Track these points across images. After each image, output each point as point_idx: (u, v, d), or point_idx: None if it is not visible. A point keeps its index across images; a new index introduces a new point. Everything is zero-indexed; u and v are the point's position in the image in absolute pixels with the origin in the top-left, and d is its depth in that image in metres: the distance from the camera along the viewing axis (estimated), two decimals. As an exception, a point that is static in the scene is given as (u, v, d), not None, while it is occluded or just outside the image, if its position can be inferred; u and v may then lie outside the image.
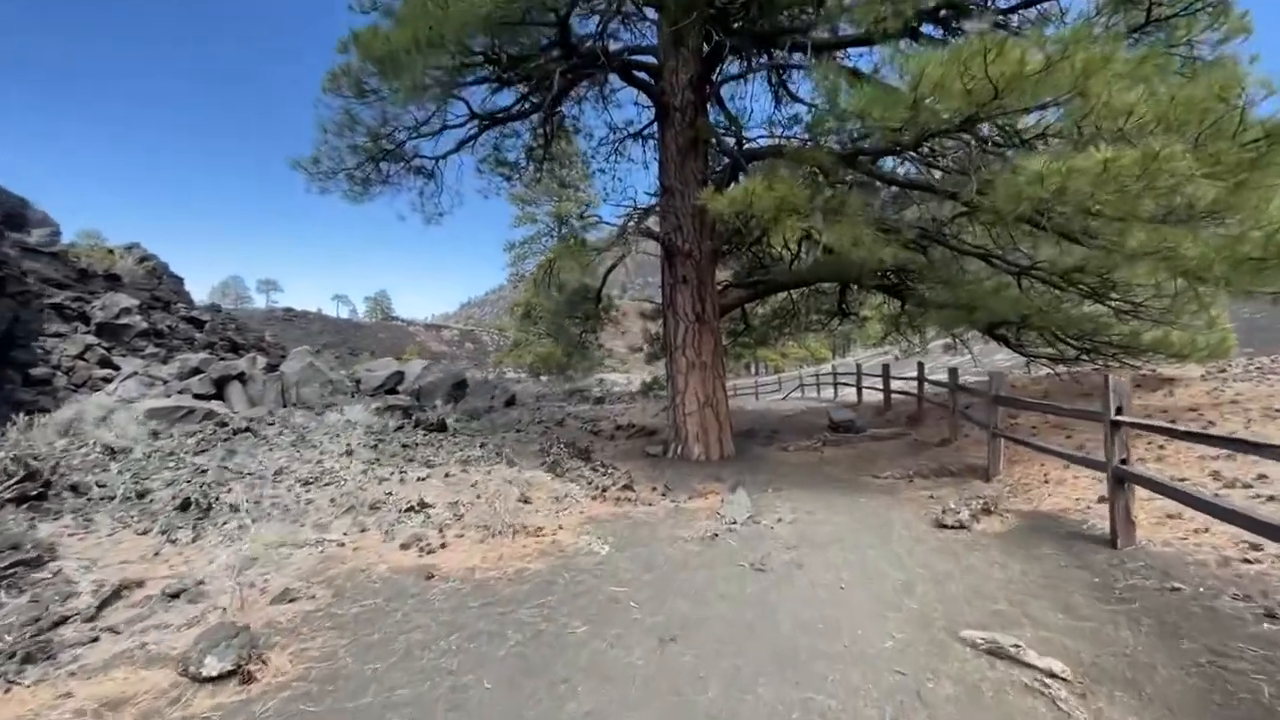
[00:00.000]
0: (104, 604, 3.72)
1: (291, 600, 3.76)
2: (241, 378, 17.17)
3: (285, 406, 16.21)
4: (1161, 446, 6.21)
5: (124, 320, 19.53)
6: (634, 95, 11.48)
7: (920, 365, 12.00)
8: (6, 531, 4.90)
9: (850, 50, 9.93)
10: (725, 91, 11.35)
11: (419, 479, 7.33)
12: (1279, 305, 6.78)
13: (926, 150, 7.81)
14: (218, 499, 6.38)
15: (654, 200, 10.68)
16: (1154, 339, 8.06)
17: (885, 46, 6.85)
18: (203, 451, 9.10)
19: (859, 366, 18.00)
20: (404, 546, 4.94)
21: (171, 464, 8.22)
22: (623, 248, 10.57)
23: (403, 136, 9.68)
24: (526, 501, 6.44)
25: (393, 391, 19.23)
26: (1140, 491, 4.39)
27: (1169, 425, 4.38)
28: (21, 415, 10.92)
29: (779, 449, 10.25)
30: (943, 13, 8.10)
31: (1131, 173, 4.76)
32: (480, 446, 10.03)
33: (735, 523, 5.60)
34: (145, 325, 20.22)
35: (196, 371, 17.33)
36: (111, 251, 23.86)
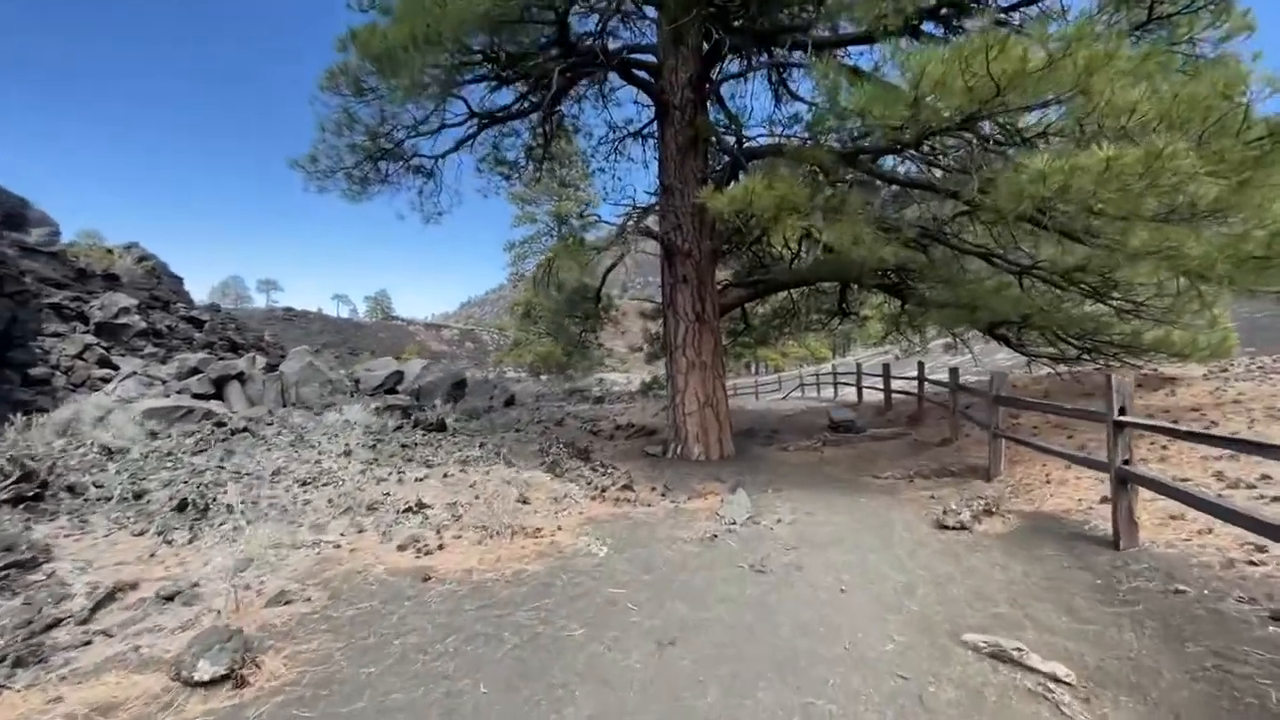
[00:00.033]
0: (98, 606, 3.68)
1: (287, 602, 3.73)
2: (240, 377, 17.14)
3: (284, 406, 16.18)
4: (1164, 447, 6.18)
5: (123, 320, 19.50)
6: (633, 94, 11.45)
7: (921, 365, 11.97)
8: (2, 533, 4.87)
9: (850, 49, 9.90)
10: (725, 90, 11.32)
11: (417, 479, 7.29)
12: (1282, 304, 6.75)
13: (927, 149, 7.76)
14: (215, 500, 6.35)
15: (654, 199, 10.64)
16: (1155, 338, 8.03)
17: (886, 44, 6.81)
18: (200, 452, 9.07)
19: (859, 366, 17.97)
20: (401, 548, 4.91)
21: (169, 464, 8.20)
22: (622, 247, 10.55)
23: (401, 135, 9.64)
24: (525, 502, 6.41)
25: (392, 391, 19.19)
26: (1143, 492, 4.36)
27: (1172, 426, 4.35)
28: (19, 415, 10.89)
29: (779, 449, 10.22)
30: (944, 11, 8.06)
31: (1134, 171, 4.72)
32: (479, 446, 10.00)
33: (735, 523, 5.57)
34: (144, 325, 20.19)
35: (195, 371, 17.30)
36: (110, 251, 23.83)
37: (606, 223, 11.55)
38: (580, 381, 28.89)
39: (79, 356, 17.40)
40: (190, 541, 5.17)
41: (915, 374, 11.92)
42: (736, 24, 9.26)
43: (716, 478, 7.88)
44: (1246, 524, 3.30)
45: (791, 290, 13.48)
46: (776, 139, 10.66)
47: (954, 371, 9.05)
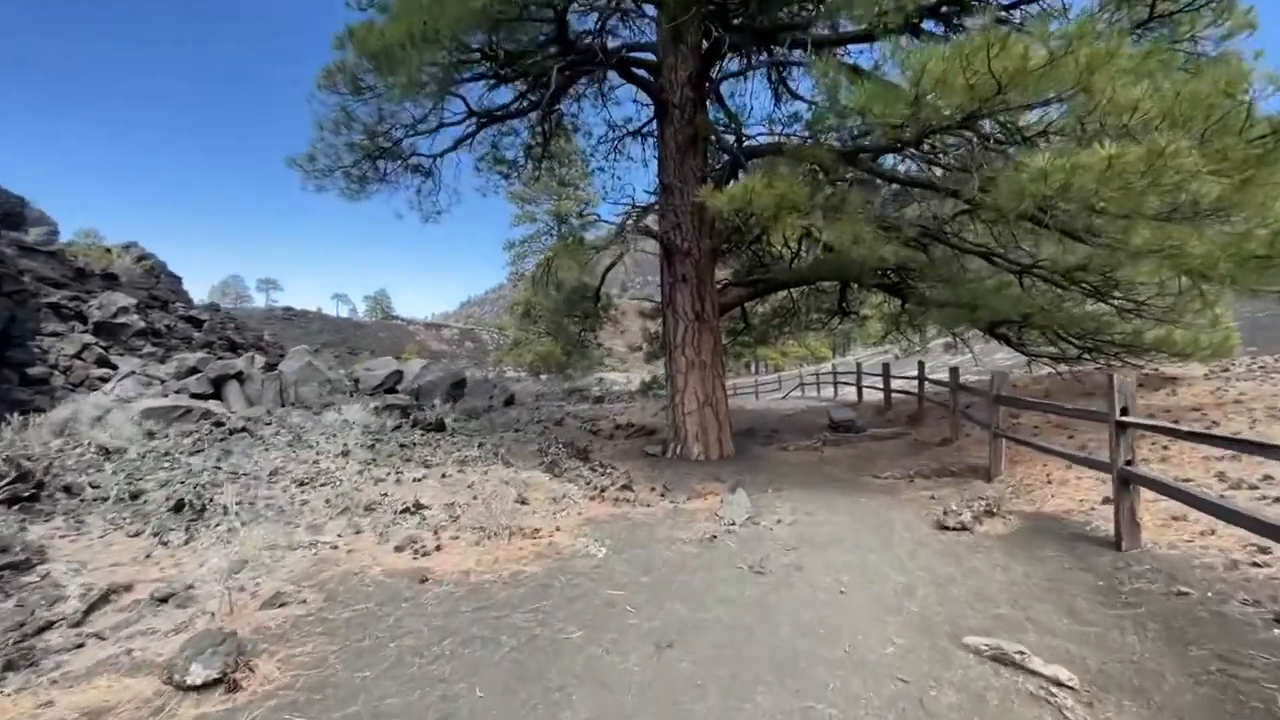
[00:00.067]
0: (91, 609, 3.65)
1: (282, 604, 3.69)
2: (239, 377, 17.10)
3: (283, 406, 16.15)
4: (1166, 447, 6.14)
5: (121, 319, 19.47)
6: (633, 93, 11.42)
7: (921, 364, 11.94)
8: (-5, 534, 4.84)
9: (850, 47, 9.86)
10: (725, 89, 11.27)
11: (415, 480, 7.26)
12: (1284, 304, 6.72)
13: (928, 147, 7.73)
14: (211, 500, 6.32)
15: (653, 198, 10.60)
16: (1156, 338, 7.99)
17: (886, 42, 6.77)
18: (198, 452, 9.04)
19: (859, 365, 17.94)
20: (398, 549, 4.88)
21: (166, 464, 8.16)
22: (621, 246, 10.51)
23: (400, 134, 9.60)
24: (523, 502, 6.38)
25: (391, 391, 19.16)
26: (1144, 492, 4.32)
27: (1175, 426, 4.32)
28: (16, 415, 10.86)
29: (779, 448, 10.19)
30: (944, 9, 8.02)
31: (1136, 169, 4.69)
32: (478, 446, 9.97)
33: (734, 524, 5.54)
34: (143, 324, 20.15)
35: (194, 371, 17.27)
36: (109, 250, 23.79)
37: (606, 222, 11.53)
38: (580, 381, 28.85)
39: (77, 356, 17.36)
40: (186, 542, 5.13)
41: (915, 373, 11.89)
42: (736, 22, 9.22)
43: (716, 478, 7.85)
44: (1250, 525, 3.27)
45: (791, 289, 13.45)
46: (776, 138, 10.63)
47: (954, 371, 9.02)
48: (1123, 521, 4.20)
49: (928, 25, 8.24)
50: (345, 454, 8.77)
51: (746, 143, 10.30)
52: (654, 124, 10.89)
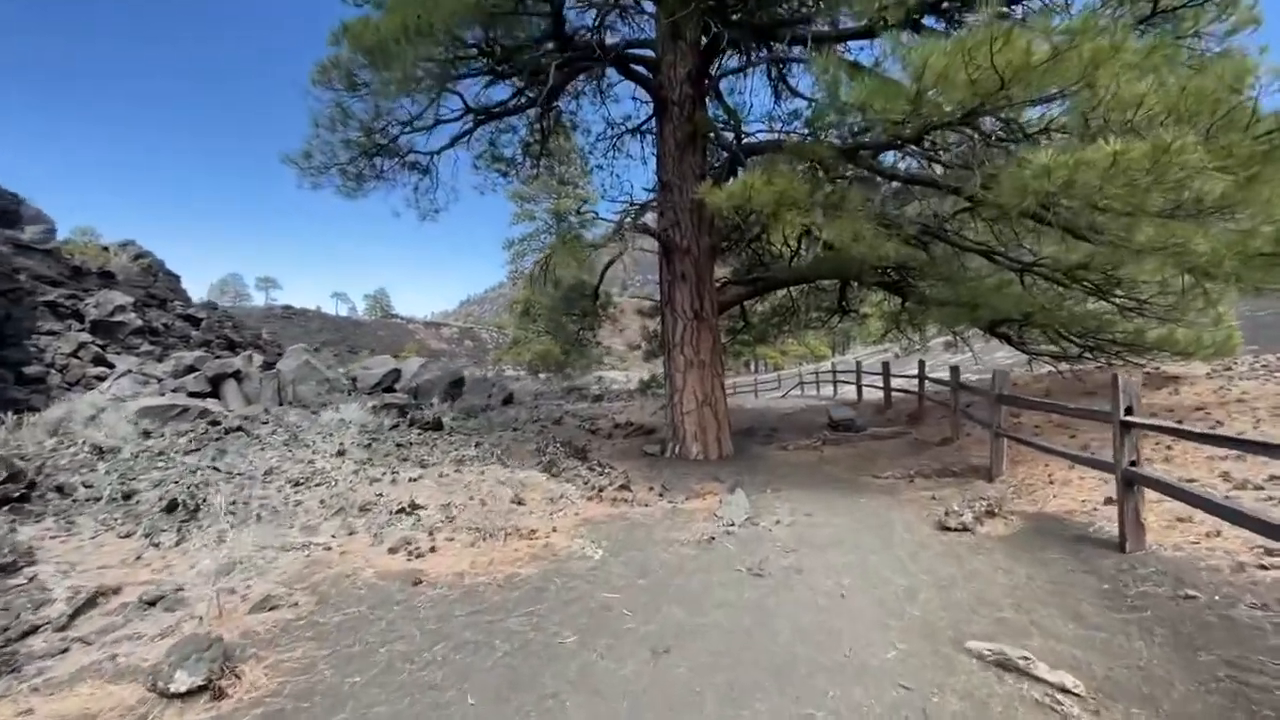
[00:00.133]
0: (77, 612, 3.59)
1: (272, 608, 3.63)
2: (237, 376, 17.03)
3: (281, 405, 16.08)
4: (1169, 446, 6.08)
5: (118, 318, 19.38)
6: (632, 90, 11.32)
7: (921, 363, 11.88)
8: (-17, 535, 4.77)
9: (851, 44, 9.78)
10: (724, 86, 11.20)
11: (411, 479, 7.20)
12: (1288, 302, 6.66)
13: (928, 144, 7.66)
14: (205, 500, 6.25)
15: (652, 196, 10.53)
16: (1159, 336, 7.92)
17: (887, 38, 6.70)
18: (193, 451, 8.96)
19: (859, 364, 17.87)
20: (392, 550, 4.81)
21: (161, 464, 8.09)
22: (620, 244, 10.43)
23: (396, 131, 9.51)
24: (520, 503, 6.31)
25: (390, 389, 19.09)
26: (1148, 493, 4.26)
27: (1181, 426, 4.25)
28: (10, 414, 10.79)
29: (778, 448, 10.13)
30: (945, 4, 7.94)
31: (1141, 166, 4.61)
32: (475, 446, 9.90)
33: (733, 525, 5.47)
34: (140, 323, 20.07)
35: (191, 369, 17.21)
36: (106, 249, 23.70)
37: (605, 220, 11.43)
38: (579, 379, 28.79)
39: (74, 355, 17.28)
40: (178, 544, 5.07)
41: (915, 372, 11.83)
42: (735, 18, 9.14)
43: (715, 477, 7.78)
44: (1256, 527, 3.21)
45: (791, 288, 13.39)
46: (776, 135, 10.54)
47: (955, 370, 8.96)
48: (1127, 523, 4.14)
49: (928, 22, 8.17)
50: (341, 453, 8.70)
51: (746, 140, 10.24)
52: (653, 121, 10.81)
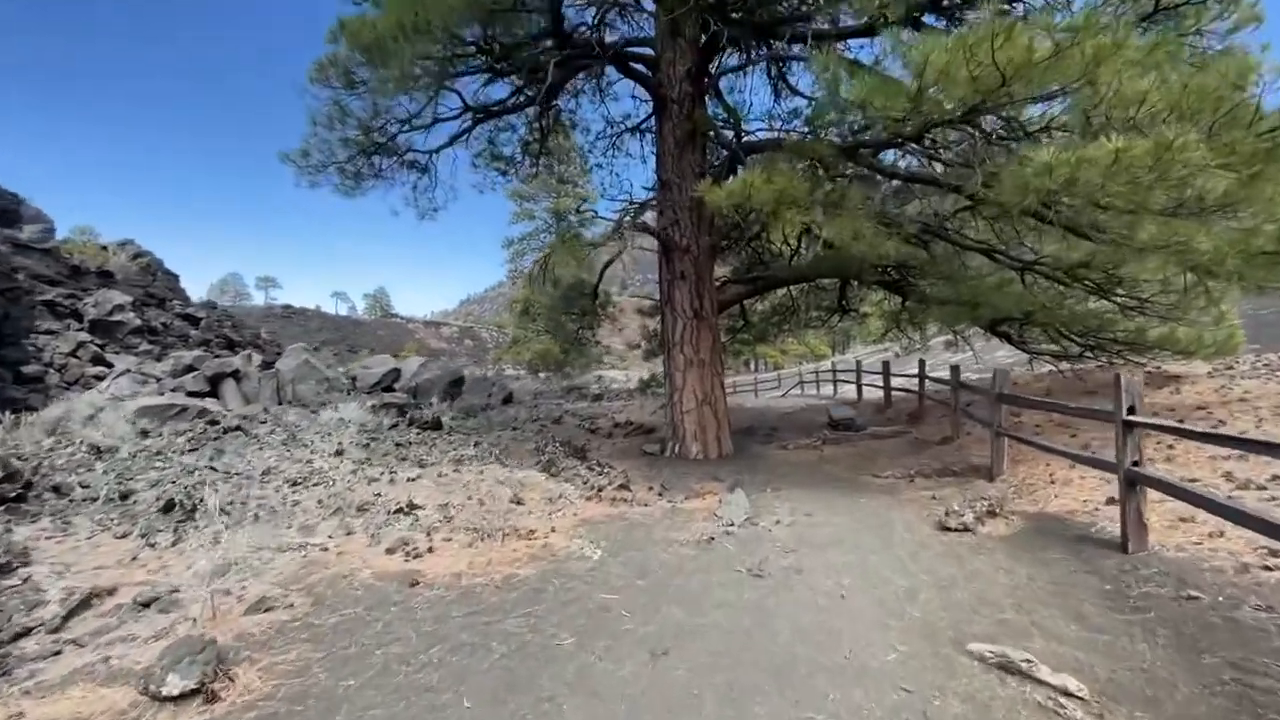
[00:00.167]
0: (71, 614, 3.56)
1: (267, 609, 3.60)
2: (236, 375, 17.00)
3: (280, 404, 16.05)
4: (1171, 446, 6.05)
5: (117, 317, 19.36)
6: (631, 88, 11.29)
7: (921, 362, 11.84)
8: (-22, 536, 4.74)
9: (851, 42, 9.74)
10: (724, 84, 11.16)
11: (410, 479, 7.17)
12: (1291, 300, 6.63)
13: (929, 143, 7.62)
14: (202, 500, 6.21)
15: (651, 195, 10.49)
16: (1160, 335, 7.89)
17: (887, 35, 6.66)
18: (191, 451, 8.93)
19: (859, 363, 17.84)
20: (390, 551, 4.78)
21: (158, 464, 8.06)
22: (619, 243, 10.39)
23: (394, 129, 9.46)
24: (519, 503, 6.28)
25: (389, 389, 19.06)
26: (1150, 493, 4.23)
27: (1185, 426, 4.22)
28: (8, 413, 10.76)
29: (778, 447, 10.09)
30: (945, 2, 7.91)
31: (1144, 163, 4.58)
32: (474, 445, 9.87)
33: (733, 525, 5.44)
34: (139, 322, 20.04)
35: (190, 369, 17.17)
36: (105, 248, 23.67)
37: (604, 218, 11.39)
38: (578, 379, 28.78)
39: (73, 354, 17.25)
40: (174, 544, 5.04)
41: (915, 371, 11.80)
42: (735, 16, 9.10)
43: (714, 477, 7.75)
44: (1259, 527, 3.18)
45: (791, 287, 13.35)
46: (776, 133, 10.50)
47: (955, 369, 8.93)
48: (1129, 523, 4.10)
49: (929, 20, 8.14)
50: (339, 453, 8.68)
51: (746, 138, 10.20)
52: (652, 120, 10.77)
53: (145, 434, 10.12)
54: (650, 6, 9.83)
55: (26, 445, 8.99)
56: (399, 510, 5.90)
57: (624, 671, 2.94)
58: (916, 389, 11.68)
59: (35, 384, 15.87)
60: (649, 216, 10.70)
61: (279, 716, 2.54)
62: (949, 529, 5.02)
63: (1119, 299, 7.76)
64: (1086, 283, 7.70)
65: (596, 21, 9.66)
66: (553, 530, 5.34)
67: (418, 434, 10.80)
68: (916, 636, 3.21)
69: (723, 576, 4.20)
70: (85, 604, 3.69)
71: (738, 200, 6.91)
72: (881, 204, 8.61)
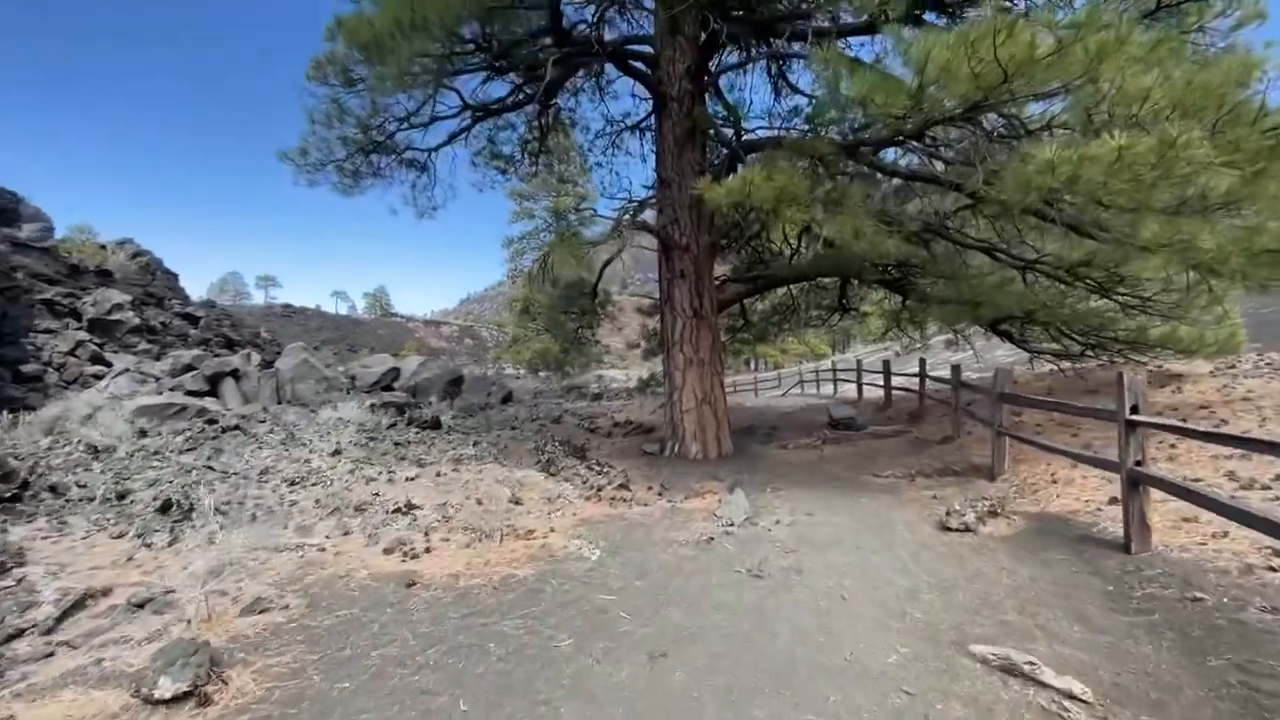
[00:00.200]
0: (65, 615, 3.53)
1: (263, 611, 3.56)
2: (235, 374, 16.96)
3: (279, 403, 16.02)
4: (1173, 445, 6.01)
5: (116, 316, 19.32)
6: (631, 86, 11.25)
7: (922, 361, 11.81)
8: (-28, 536, 4.71)
9: (851, 39, 9.70)
10: (724, 82, 11.11)
11: (408, 479, 7.14)
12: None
13: (930, 141, 7.58)
14: (199, 500, 6.18)
15: (651, 194, 10.45)
16: (1161, 334, 7.85)
17: (888, 31, 6.62)
18: (189, 450, 8.90)
19: (859, 362, 17.80)
20: (387, 551, 4.75)
21: (156, 463, 8.03)
22: (619, 242, 10.35)
23: (393, 127, 9.43)
24: (518, 502, 6.25)
25: (389, 388, 19.02)
26: (1153, 493, 4.19)
27: (1189, 425, 4.18)
28: (6, 413, 10.73)
29: (778, 447, 10.06)
30: (947, -1, 7.86)
31: (1147, 161, 4.54)
32: (473, 445, 9.84)
33: (732, 525, 5.41)
34: (138, 321, 20.01)
35: (190, 368, 17.13)
36: (104, 247, 23.64)
37: (604, 217, 11.37)
38: (578, 378, 28.75)
39: (71, 353, 17.22)
40: (170, 544, 5.01)
41: (916, 370, 11.76)
42: (735, 13, 9.06)
43: (714, 476, 7.72)
44: (1264, 528, 3.15)
45: (791, 286, 13.31)
46: (776, 131, 10.46)
47: (956, 368, 8.90)
48: (1132, 523, 4.07)
49: (929, 17, 8.09)
50: (338, 453, 8.65)
51: (746, 137, 10.15)
52: (652, 118, 10.73)
53: (143, 433, 10.09)
54: (649, 4, 9.78)
55: (24, 445, 8.97)
56: (397, 510, 5.87)
57: (622, 674, 2.91)
58: (917, 388, 11.64)
59: (34, 383, 15.84)
60: (649, 215, 10.67)
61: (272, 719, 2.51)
62: (950, 529, 4.99)
63: (1120, 297, 7.72)
64: (1088, 281, 7.66)
65: (596, 19, 9.62)
66: (551, 530, 5.31)
67: (416, 433, 10.77)
68: (918, 638, 3.18)
69: (722, 577, 4.17)
70: (79, 605, 3.66)
71: (737, 198, 6.87)
72: (882, 202, 8.57)
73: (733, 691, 2.74)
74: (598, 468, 8.37)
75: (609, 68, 10.90)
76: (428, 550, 4.76)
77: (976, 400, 8.74)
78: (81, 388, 16.02)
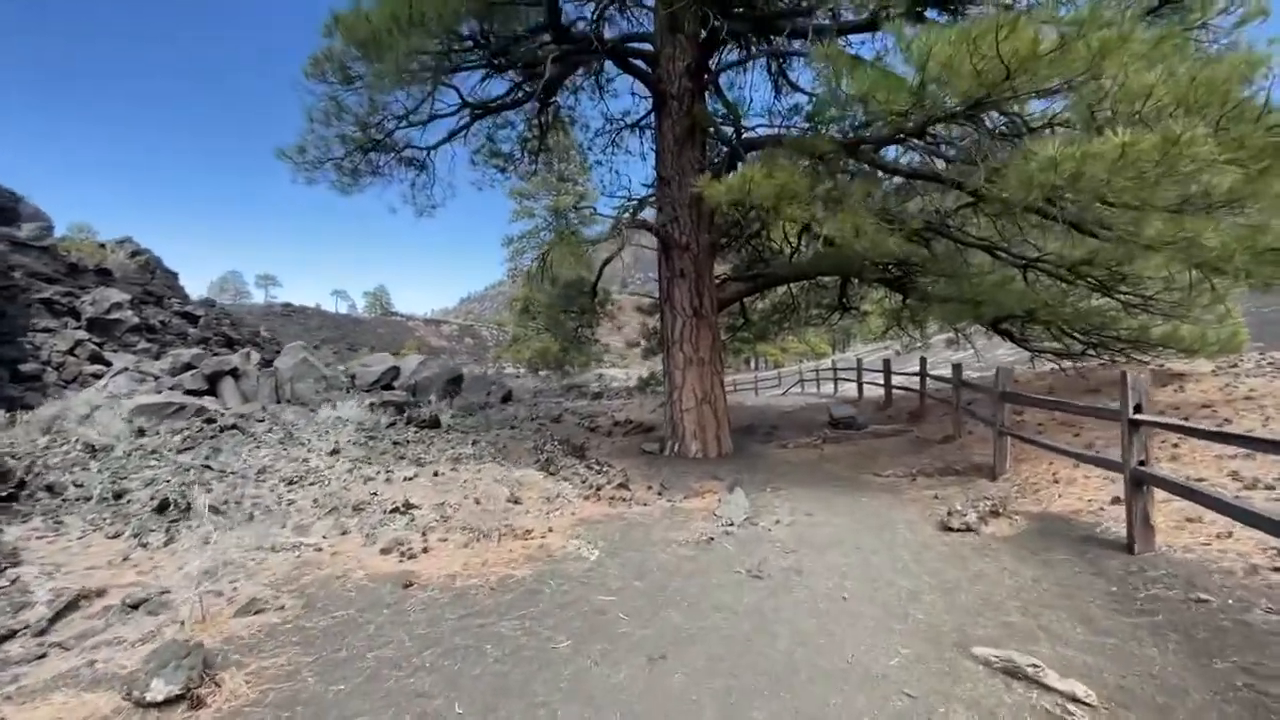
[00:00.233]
0: (58, 616, 3.49)
1: (258, 612, 3.53)
2: (234, 373, 16.91)
3: (279, 402, 15.98)
4: (1175, 445, 5.97)
5: (115, 315, 19.28)
6: (630, 85, 11.22)
7: (923, 360, 11.77)
8: (-33, 536, 4.68)
9: (852, 37, 9.65)
10: (724, 80, 11.09)
11: (406, 478, 7.10)
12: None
13: (931, 139, 7.54)
14: (196, 500, 6.15)
15: (650, 192, 10.41)
16: (1163, 333, 7.82)
17: (889, 27, 6.57)
18: (187, 449, 8.86)
19: (859, 362, 17.76)
20: (384, 551, 4.72)
21: (153, 462, 7.99)
22: (619, 240, 10.32)
23: (391, 125, 9.39)
24: (516, 502, 6.22)
25: (388, 387, 18.98)
26: (1156, 493, 4.16)
27: (1194, 425, 4.15)
28: (3, 412, 10.70)
29: (778, 446, 10.03)
30: (948, -5, 7.81)
31: (1151, 157, 4.50)
32: (472, 444, 9.80)
33: (732, 524, 5.38)
34: (137, 320, 19.96)
35: (189, 367, 17.09)
36: (103, 246, 23.59)
37: (604, 216, 11.35)
38: (578, 377, 28.70)
39: (70, 352, 17.18)
40: (166, 544, 4.97)
41: (916, 369, 11.72)
42: (736, 10, 9.01)
43: (714, 476, 7.69)
44: (1270, 528, 3.12)
45: (791, 285, 13.28)
46: (776, 130, 10.42)
47: (957, 367, 8.86)
48: (1136, 524, 4.04)
49: (931, 14, 8.04)
50: (336, 452, 8.61)
51: (746, 135, 10.11)
52: (652, 116, 10.69)
53: (141, 432, 10.06)
54: (649, 1, 9.73)
55: (21, 444, 8.93)
56: (395, 510, 5.84)
57: (620, 676, 2.87)
58: (917, 387, 11.60)
59: (33, 382, 15.81)
60: (648, 213, 10.63)
61: (265, 723, 2.47)
62: (952, 529, 4.96)
63: (1122, 296, 7.68)
64: (1089, 280, 7.62)
65: (595, 16, 9.58)
66: (550, 530, 5.27)
67: (415, 432, 10.73)
68: (920, 640, 3.14)
69: (722, 578, 4.13)
70: (73, 606, 3.63)
71: (737, 196, 6.83)
72: (883, 201, 8.53)
73: (732, 694, 2.70)
74: (597, 467, 8.34)
75: (608, 65, 10.87)
76: (425, 550, 4.72)
77: (977, 399, 8.71)
78: (80, 387, 15.99)
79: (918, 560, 4.34)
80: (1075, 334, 8.64)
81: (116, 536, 5.25)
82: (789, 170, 6.65)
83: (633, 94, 11.83)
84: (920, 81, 5.40)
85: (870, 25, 8.30)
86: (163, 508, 5.95)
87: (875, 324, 14.40)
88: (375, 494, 6.40)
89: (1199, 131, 4.46)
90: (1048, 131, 6.24)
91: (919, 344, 14.42)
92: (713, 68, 10.22)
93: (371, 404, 13.31)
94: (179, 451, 8.72)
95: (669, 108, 9.19)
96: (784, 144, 8.35)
